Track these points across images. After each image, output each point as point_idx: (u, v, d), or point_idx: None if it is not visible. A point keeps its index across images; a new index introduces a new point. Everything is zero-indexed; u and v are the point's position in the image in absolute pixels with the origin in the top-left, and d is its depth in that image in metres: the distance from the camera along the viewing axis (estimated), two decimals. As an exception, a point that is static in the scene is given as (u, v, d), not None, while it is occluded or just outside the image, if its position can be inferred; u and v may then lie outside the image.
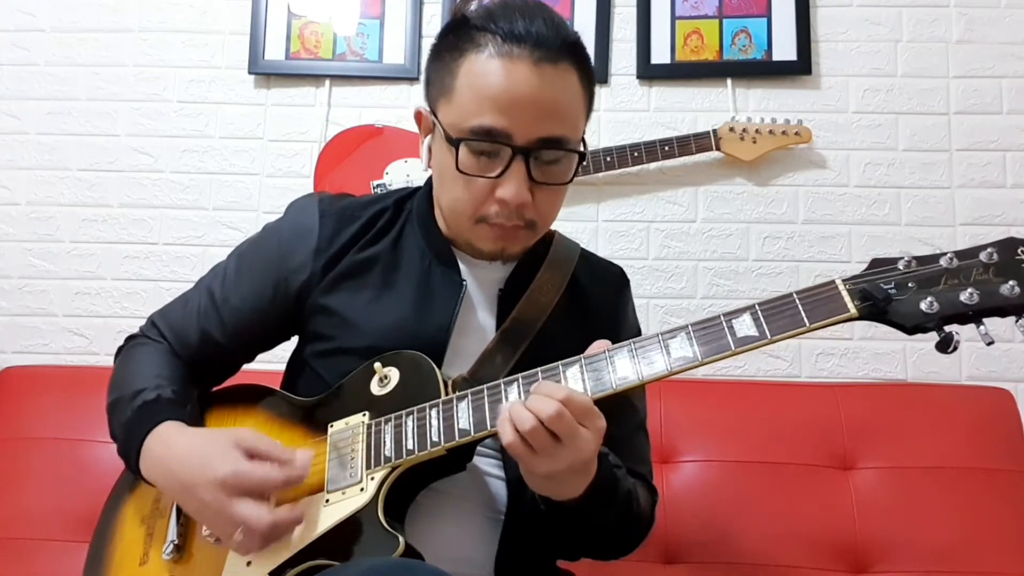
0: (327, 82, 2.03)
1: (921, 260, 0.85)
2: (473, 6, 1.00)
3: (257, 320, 1.10)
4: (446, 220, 1.05)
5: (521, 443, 0.83)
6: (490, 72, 0.93)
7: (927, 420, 1.61)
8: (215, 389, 1.15)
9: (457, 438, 0.90)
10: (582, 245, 1.20)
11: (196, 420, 1.04)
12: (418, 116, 1.07)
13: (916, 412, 1.62)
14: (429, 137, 1.05)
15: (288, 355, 1.16)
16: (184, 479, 0.93)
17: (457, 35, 0.98)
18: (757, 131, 1.90)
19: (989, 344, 0.82)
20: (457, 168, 0.96)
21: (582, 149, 1.01)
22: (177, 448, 0.96)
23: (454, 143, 0.95)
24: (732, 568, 1.49)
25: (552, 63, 0.94)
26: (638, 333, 1.20)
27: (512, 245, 1.03)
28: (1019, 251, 0.83)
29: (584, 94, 1.00)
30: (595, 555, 1.09)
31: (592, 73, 1.02)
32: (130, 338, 1.16)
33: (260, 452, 0.92)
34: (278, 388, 1.11)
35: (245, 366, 1.18)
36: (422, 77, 1.93)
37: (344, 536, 0.90)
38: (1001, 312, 0.82)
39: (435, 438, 0.91)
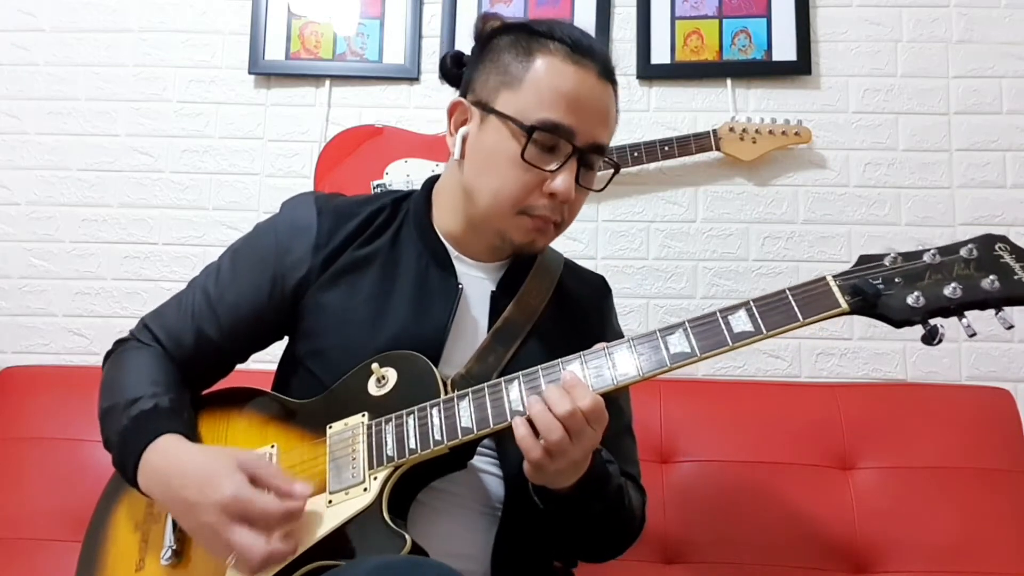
0: (327, 82, 2.03)
1: (906, 256, 0.89)
2: (504, 18, 1.07)
3: (253, 317, 1.09)
4: (479, 208, 1.05)
5: (535, 440, 0.87)
6: (566, 73, 1.00)
7: (927, 420, 1.61)
8: (207, 392, 1.14)
9: (460, 436, 0.91)
10: (582, 245, 1.22)
11: (193, 428, 1.03)
12: (454, 107, 1.08)
13: (916, 412, 1.62)
14: (465, 127, 1.06)
15: (279, 355, 1.16)
16: (184, 497, 0.92)
17: (518, 37, 1.04)
18: (757, 131, 1.90)
19: (971, 336, 0.85)
20: (522, 156, 0.99)
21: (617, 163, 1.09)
22: (177, 463, 0.95)
23: (527, 130, 0.98)
24: (732, 568, 1.49)
25: (608, 80, 1.04)
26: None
27: (541, 239, 1.07)
28: (997, 247, 0.87)
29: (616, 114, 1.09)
30: (589, 556, 1.11)
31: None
32: (120, 342, 1.15)
33: (262, 479, 0.90)
34: (270, 389, 1.10)
35: (238, 366, 1.16)
36: (431, 74, 1.98)
37: (349, 536, 0.90)
38: (983, 305, 0.85)
39: (438, 437, 0.92)
